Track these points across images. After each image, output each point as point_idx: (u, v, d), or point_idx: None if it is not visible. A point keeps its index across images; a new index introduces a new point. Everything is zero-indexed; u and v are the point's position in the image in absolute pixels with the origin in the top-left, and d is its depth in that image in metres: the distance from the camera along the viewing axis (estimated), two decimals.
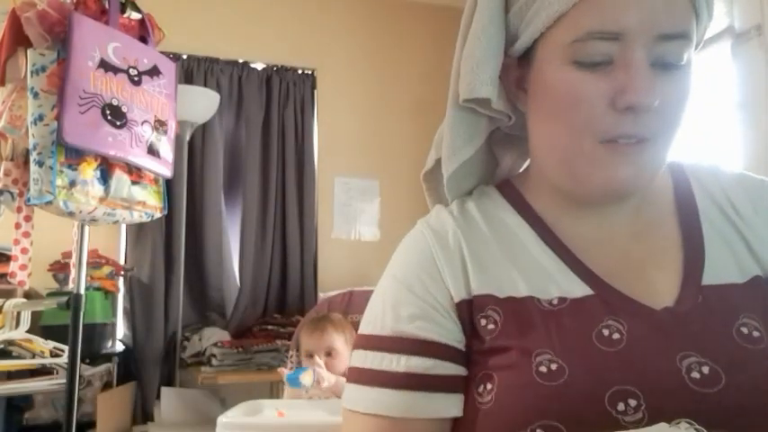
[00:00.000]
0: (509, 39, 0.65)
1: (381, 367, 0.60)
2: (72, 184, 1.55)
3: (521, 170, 0.75)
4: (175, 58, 3.06)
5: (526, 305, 0.59)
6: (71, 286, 1.83)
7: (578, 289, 0.59)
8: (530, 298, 0.59)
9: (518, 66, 0.65)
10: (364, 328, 0.64)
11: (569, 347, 0.55)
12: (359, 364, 0.62)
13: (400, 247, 0.68)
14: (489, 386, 0.57)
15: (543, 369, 0.54)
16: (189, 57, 3.32)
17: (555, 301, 0.59)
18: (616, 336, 0.55)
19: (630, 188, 0.60)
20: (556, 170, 0.63)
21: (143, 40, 1.79)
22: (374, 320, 0.63)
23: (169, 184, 2.09)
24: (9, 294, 2.30)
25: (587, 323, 0.57)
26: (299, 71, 3.55)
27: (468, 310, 0.61)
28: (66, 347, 2.01)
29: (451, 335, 0.60)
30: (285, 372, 1.58)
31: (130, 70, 1.68)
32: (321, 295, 3.17)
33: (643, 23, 0.55)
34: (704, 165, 0.71)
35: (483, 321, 0.60)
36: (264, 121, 3.44)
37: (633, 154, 0.58)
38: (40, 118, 1.55)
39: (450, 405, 0.59)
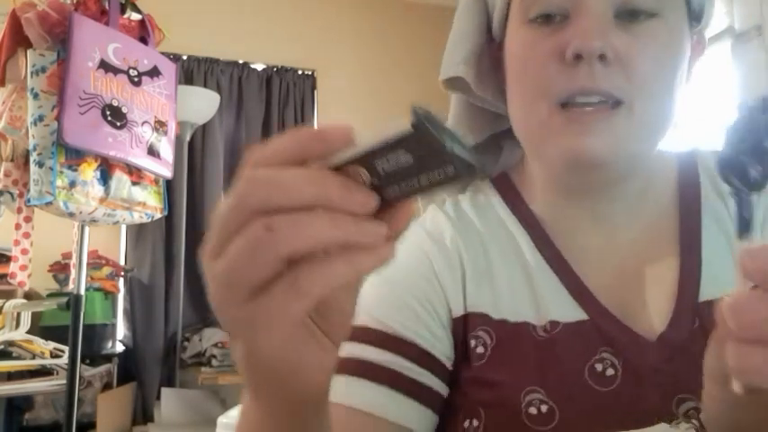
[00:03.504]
0: (490, 19, 0.60)
1: (362, 356, 0.53)
2: (72, 184, 1.55)
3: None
4: (175, 58, 3.06)
5: (519, 332, 0.54)
6: (71, 287, 1.83)
7: (572, 312, 0.55)
8: (523, 324, 0.55)
9: (499, 49, 0.60)
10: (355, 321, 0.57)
11: (561, 387, 0.51)
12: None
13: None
14: (476, 423, 0.53)
15: (533, 410, 0.50)
16: (189, 57, 3.32)
17: (548, 327, 0.54)
18: (610, 372, 0.52)
19: (597, 161, 0.51)
20: (525, 148, 0.57)
21: (143, 40, 1.79)
22: (366, 312, 0.56)
23: (169, 185, 2.09)
24: (9, 295, 2.29)
25: (580, 355, 0.52)
26: (299, 71, 3.55)
27: (463, 327, 0.56)
28: (66, 348, 2.01)
29: (443, 349, 0.55)
30: None
31: (130, 71, 1.68)
32: None
33: None
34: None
35: (473, 342, 0.55)
36: (264, 122, 3.44)
37: (598, 121, 0.50)
38: (40, 119, 1.55)
39: (420, 419, 0.53)
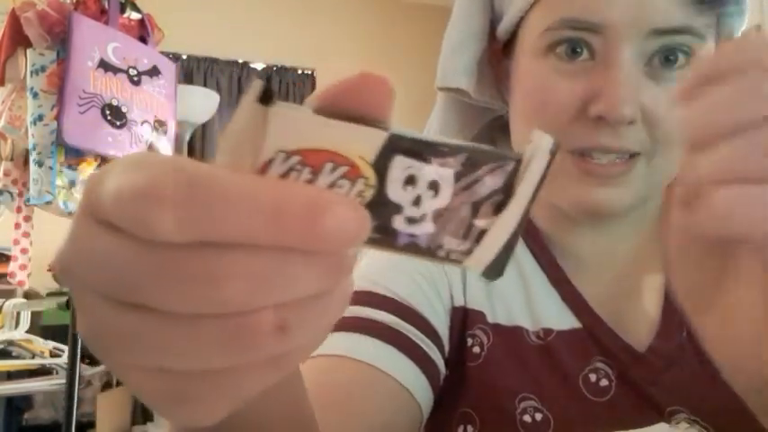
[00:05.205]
0: (496, 20, 0.55)
1: (369, 316, 0.51)
2: (72, 184, 1.55)
3: None
4: (175, 58, 3.07)
5: (513, 336, 0.54)
6: None
7: (566, 320, 0.54)
8: (518, 328, 0.54)
9: (503, 53, 0.56)
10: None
11: (555, 395, 0.51)
12: None
13: None
14: (471, 429, 0.53)
15: (527, 418, 0.51)
16: (189, 57, 3.32)
17: (541, 333, 0.54)
18: (604, 382, 0.52)
19: (611, 212, 0.49)
20: None
21: (142, 40, 1.79)
22: (368, 280, 0.54)
23: None
24: (9, 294, 2.29)
25: (574, 364, 0.52)
26: (299, 71, 3.56)
27: (462, 321, 0.55)
28: (65, 347, 2.01)
29: (443, 331, 0.54)
30: None
31: (130, 70, 1.68)
32: None
33: (629, 15, 0.45)
34: None
35: (470, 341, 0.55)
36: None
37: (614, 176, 0.47)
38: (40, 118, 1.55)
39: (421, 387, 0.49)
